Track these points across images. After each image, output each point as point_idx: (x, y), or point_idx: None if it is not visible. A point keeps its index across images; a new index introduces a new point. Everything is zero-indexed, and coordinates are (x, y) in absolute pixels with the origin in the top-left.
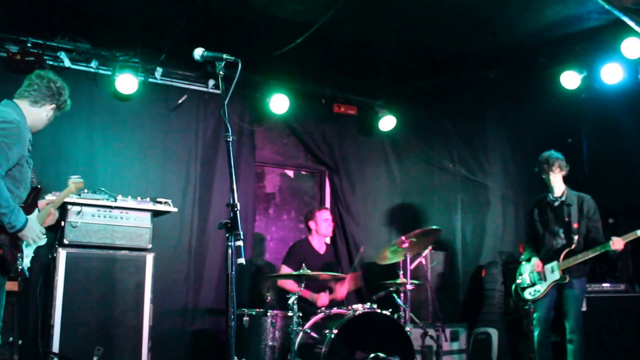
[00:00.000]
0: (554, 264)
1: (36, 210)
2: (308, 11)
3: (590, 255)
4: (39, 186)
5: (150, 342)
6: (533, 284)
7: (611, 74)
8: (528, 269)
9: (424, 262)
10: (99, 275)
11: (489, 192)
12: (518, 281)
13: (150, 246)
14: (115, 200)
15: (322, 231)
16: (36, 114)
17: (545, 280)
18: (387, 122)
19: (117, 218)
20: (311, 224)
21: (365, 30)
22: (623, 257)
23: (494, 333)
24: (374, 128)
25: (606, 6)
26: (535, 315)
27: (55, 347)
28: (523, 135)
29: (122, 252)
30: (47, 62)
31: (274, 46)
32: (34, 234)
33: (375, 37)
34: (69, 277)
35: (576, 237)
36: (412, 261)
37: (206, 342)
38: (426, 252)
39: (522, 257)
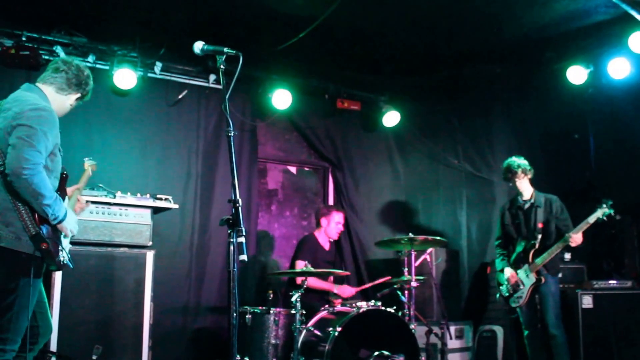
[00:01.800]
0: (526, 267)
1: (66, 199)
2: (311, 5)
3: (555, 252)
4: (65, 172)
5: (150, 340)
6: (514, 292)
7: (618, 69)
8: (505, 281)
9: (428, 259)
10: (97, 272)
11: (494, 188)
12: (501, 288)
13: (150, 243)
14: (114, 196)
15: (330, 232)
16: (61, 101)
17: (524, 285)
18: (391, 118)
19: (116, 215)
20: (323, 220)
21: (369, 24)
22: (630, 253)
23: (499, 331)
24: (378, 124)
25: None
26: (521, 319)
27: (53, 346)
28: (529, 131)
29: (122, 249)
30: (43, 56)
31: (277, 40)
32: (72, 224)
33: (380, 32)
34: (66, 274)
35: (539, 237)
36: (416, 258)
37: (208, 340)
38: (430, 249)
39: (496, 265)
